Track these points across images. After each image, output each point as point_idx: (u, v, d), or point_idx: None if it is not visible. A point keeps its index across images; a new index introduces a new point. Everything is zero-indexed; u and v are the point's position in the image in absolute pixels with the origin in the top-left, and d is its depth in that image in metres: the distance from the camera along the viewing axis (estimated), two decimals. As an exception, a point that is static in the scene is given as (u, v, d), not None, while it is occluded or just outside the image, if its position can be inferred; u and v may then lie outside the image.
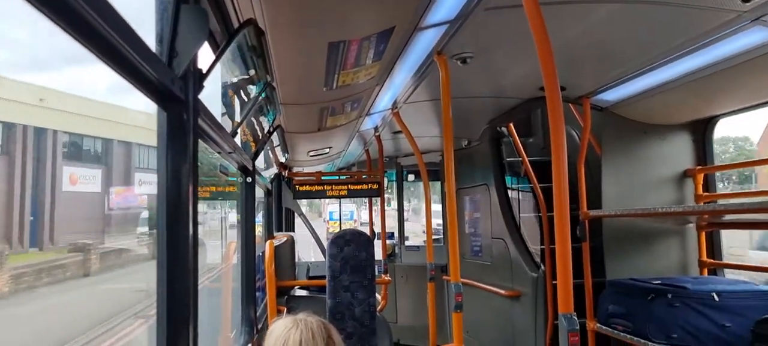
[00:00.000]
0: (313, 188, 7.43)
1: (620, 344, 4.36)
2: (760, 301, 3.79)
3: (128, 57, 1.39)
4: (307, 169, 9.00)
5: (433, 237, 6.26)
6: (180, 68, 1.80)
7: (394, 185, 10.14)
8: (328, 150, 7.30)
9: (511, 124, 5.72)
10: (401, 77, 4.27)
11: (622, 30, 3.40)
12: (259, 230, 7.30)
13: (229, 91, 3.56)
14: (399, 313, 9.16)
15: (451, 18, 3.12)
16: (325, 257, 5.26)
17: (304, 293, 6.54)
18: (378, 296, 6.15)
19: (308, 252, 10.32)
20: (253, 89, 3.59)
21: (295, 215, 9.34)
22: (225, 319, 5.79)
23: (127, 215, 34.32)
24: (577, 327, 2.28)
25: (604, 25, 3.31)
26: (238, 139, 3.75)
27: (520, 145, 5.73)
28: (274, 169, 7.94)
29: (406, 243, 9.76)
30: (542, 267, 5.51)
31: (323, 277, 5.19)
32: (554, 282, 4.91)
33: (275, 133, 5.14)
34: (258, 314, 4.92)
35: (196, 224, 1.95)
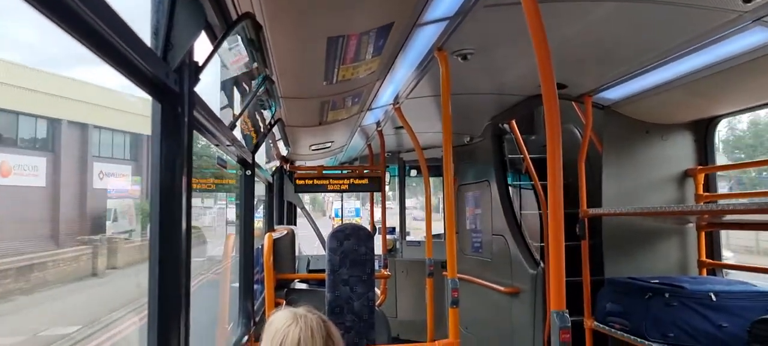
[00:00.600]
0: (315, 182, 7.44)
1: (618, 343, 4.36)
2: (757, 302, 3.78)
3: (121, 50, 1.40)
4: (309, 163, 9.01)
5: (435, 232, 6.26)
6: (175, 61, 1.81)
7: (397, 180, 10.15)
8: (330, 144, 7.31)
9: (513, 121, 5.71)
10: (402, 72, 4.27)
11: (623, 29, 3.39)
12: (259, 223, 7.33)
13: (229, 85, 3.57)
14: (399, 308, 9.18)
15: (451, 14, 3.12)
16: (325, 251, 5.28)
17: (303, 286, 6.57)
18: (377, 291, 6.17)
19: (312, 246, 10.34)
20: (253, 83, 3.60)
21: (298, 208, 9.38)
22: (222, 312, 5.81)
23: (88, 215, 29.87)
24: (569, 324, 2.28)
25: (605, 24, 3.31)
26: (238, 132, 3.76)
27: (521, 142, 5.73)
28: (276, 163, 7.96)
29: (407, 238, 9.77)
30: (542, 264, 5.52)
31: (323, 271, 5.21)
32: None
33: (276, 127, 5.15)
34: (256, 307, 4.93)
35: (189, 217, 1.96)
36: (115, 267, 25.34)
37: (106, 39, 1.31)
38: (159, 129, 1.83)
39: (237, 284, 4.70)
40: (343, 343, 1.99)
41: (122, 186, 33.27)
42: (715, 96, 4.44)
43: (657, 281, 4.13)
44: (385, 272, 7.46)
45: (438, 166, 8.25)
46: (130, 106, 32.97)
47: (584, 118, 4.80)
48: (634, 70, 4.05)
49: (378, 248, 6.43)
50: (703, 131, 5.03)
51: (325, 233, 8.41)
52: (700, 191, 4.96)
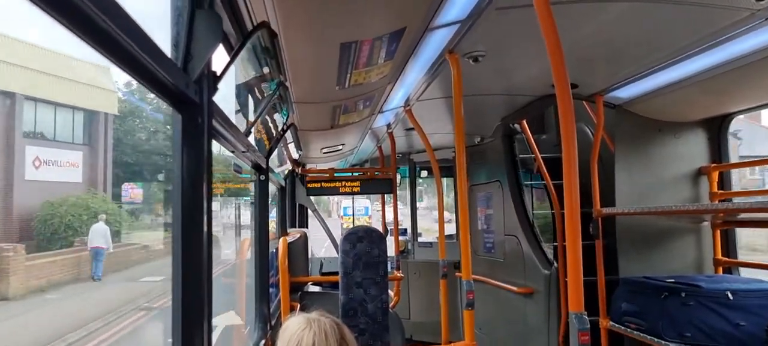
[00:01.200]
0: (326, 185, 7.47)
1: (633, 343, 4.36)
2: (774, 300, 3.77)
3: (144, 63, 1.42)
4: (320, 166, 9.04)
5: (447, 233, 6.26)
6: (195, 72, 1.83)
7: (408, 181, 10.16)
8: (341, 147, 7.33)
9: (524, 121, 5.71)
10: (413, 76, 4.29)
11: (634, 28, 3.39)
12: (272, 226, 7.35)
13: (243, 91, 3.60)
14: (412, 309, 9.18)
15: (463, 18, 3.13)
16: (337, 253, 5.29)
17: (317, 289, 6.59)
18: (390, 293, 6.18)
19: (323, 249, 10.38)
20: (266, 88, 3.63)
21: (309, 211, 9.40)
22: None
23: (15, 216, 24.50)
24: (588, 326, 2.29)
25: (616, 23, 3.31)
26: (251, 138, 3.78)
27: (533, 142, 5.73)
28: (288, 166, 7.99)
29: (419, 239, 9.78)
30: (555, 264, 5.51)
31: (336, 273, 5.22)
32: (567, 279, 4.92)
33: (289, 131, 5.18)
34: (271, 310, 4.96)
35: (210, 224, 1.99)
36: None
37: (132, 53, 1.33)
38: (180, 138, 1.85)
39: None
40: (357, 345, 2.01)
41: (69, 176, 28.43)
42: (728, 93, 4.42)
43: (673, 280, 4.12)
44: (398, 274, 7.48)
45: (449, 167, 8.26)
46: (81, 72, 28.86)
47: (596, 118, 4.80)
48: (646, 68, 4.04)
49: (390, 250, 6.46)
50: (716, 129, 5.01)
51: (335, 233, 8.46)
52: (715, 189, 4.94)
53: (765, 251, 17.12)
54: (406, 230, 9.86)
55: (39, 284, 20.21)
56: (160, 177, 37.53)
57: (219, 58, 2.16)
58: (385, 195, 8.52)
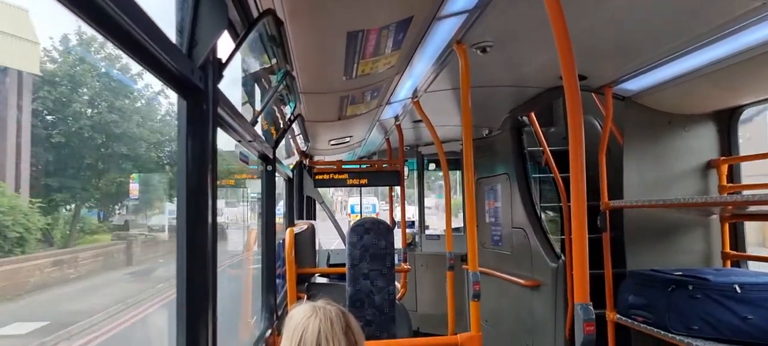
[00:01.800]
0: (334, 177, 7.47)
1: (640, 335, 4.34)
2: (783, 293, 3.73)
3: (149, 48, 1.42)
4: (328, 158, 9.05)
5: (454, 226, 6.26)
6: (199, 58, 1.83)
7: (415, 173, 10.16)
8: (348, 139, 7.33)
9: (533, 114, 5.69)
10: (421, 66, 4.28)
11: (644, 19, 3.36)
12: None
13: (250, 81, 3.61)
14: (419, 301, 9.20)
15: (470, 7, 3.12)
16: (345, 245, 5.30)
17: (324, 280, 6.61)
18: (397, 285, 6.19)
19: (327, 239, 10.40)
20: (273, 78, 3.63)
21: (317, 203, 9.43)
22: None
23: None
24: (593, 317, 2.28)
25: (626, 14, 3.28)
26: (258, 128, 3.79)
27: (541, 134, 5.70)
28: (296, 158, 8.01)
29: (427, 232, 9.78)
30: (563, 257, 5.50)
31: (343, 265, 5.23)
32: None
33: (296, 122, 5.19)
34: (278, 300, 4.97)
35: (215, 212, 1.99)
36: None
37: (136, 38, 1.33)
38: (185, 125, 1.86)
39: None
40: (363, 334, 2.01)
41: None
42: (738, 86, 4.38)
43: (680, 273, 4.09)
44: (405, 266, 7.48)
45: (457, 160, 8.24)
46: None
47: (604, 110, 4.77)
48: (656, 60, 4.01)
49: (398, 242, 6.45)
50: (726, 121, 4.97)
51: (343, 228, 8.47)
52: (724, 182, 4.91)
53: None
54: (413, 222, 9.87)
55: None
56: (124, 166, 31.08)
57: (225, 46, 2.17)
58: (393, 188, 8.52)
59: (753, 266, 4.88)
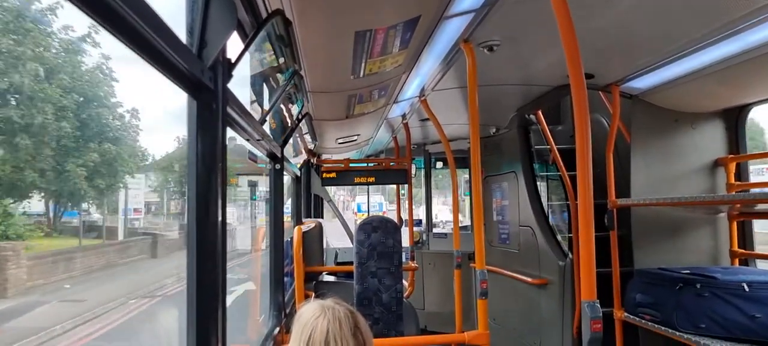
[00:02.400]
0: (341, 175, 7.49)
1: (648, 334, 4.34)
2: (791, 292, 3.73)
3: (160, 49, 1.45)
4: (335, 157, 9.07)
5: (461, 224, 6.27)
6: (209, 58, 1.86)
7: (423, 172, 10.17)
8: (356, 137, 7.35)
9: (540, 112, 5.69)
10: (428, 65, 4.29)
11: (651, 17, 3.36)
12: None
13: (258, 80, 3.63)
14: (426, 299, 9.21)
15: (477, 6, 3.13)
16: (352, 243, 5.32)
17: (332, 278, 6.63)
18: (405, 283, 6.19)
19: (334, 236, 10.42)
20: (281, 77, 3.65)
21: (325, 202, 9.45)
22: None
23: None
24: (600, 314, 2.29)
25: (633, 12, 3.28)
26: (267, 127, 3.81)
27: (548, 132, 5.70)
28: (303, 157, 8.03)
29: (434, 230, 9.79)
30: (570, 255, 5.50)
31: (351, 263, 5.25)
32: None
33: (304, 121, 5.21)
34: (286, 299, 5.00)
35: (225, 210, 2.02)
36: None
37: (147, 38, 1.36)
38: (195, 125, 1.88)
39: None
40: (371, 334, 2.01)
41: None
42: (746, 84, 4.37)
43: (688, 271, 4.09)
44: (413, 264, 7.50)
45: (464, 158, 8.24)
46: None
47: (611, 108, 4.77)
48: (663, 58, 4.00)
49: (405, 240, 6.46)
50: (733, 119, 4.96)
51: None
52: (732, 180, 4.90)
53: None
54: (421, 220, 9.88)
55: None
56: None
57: (234, 45, 2.19)
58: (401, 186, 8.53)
59: (761, 264, 4.87)
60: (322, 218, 9.66)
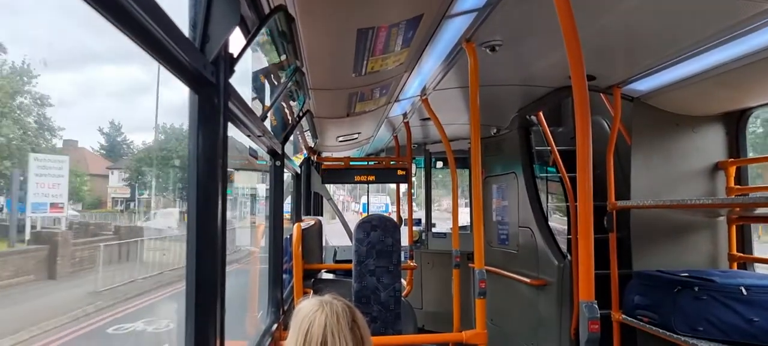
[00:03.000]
0: (341, 172, 7.49)
1: (645, 336, 4.35)
2: (789, 296, 3.73)
3: (163, 42, 1.45)
4: (335, 154, 9.07)
5: (461, 224, 6.28)
6: (212, 53, 1.86)
7: (423, 171, 10.16)
8: (356, 136, 7.35)
9: (541, 113, 5.69)
10: (430, 64, 4.29)
11: (653, 19, 3.36)
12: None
13: (259, 76, 3.63)
14: (424, 299, 9.21)
15: (480, 6, 3.13)
16: (351, 242, 5.32)
17: (330, 276, 6.63)
18: (403, 282, 6.20)
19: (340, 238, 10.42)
20: (283, 74, 3.65)
21: (324, 199, 9.46)
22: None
23: None
24: (597, 315, 2.29)
25: (636, 14, 3.28)
26: (267, 123, 3.81)
27: (549, 134, 5.71)
28: (304, 154, 8.03)
29: (433, 230, 9.80)
30: (569, 257, 5.50)
31: (350, 261, 5.25)
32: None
33: (305, 118, 5.21)
34: (284, 295, 5.00)
35: (225, 205, 2.02)
36: None
37: (151, 32, 1.36)
38: (196, 119, 1.89)
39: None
40: (369, 329, 2.03)
41: None
42: (747, 87, 4.38)
43: (686, 274, 4.09)
44: (411, 263, 7.50)
45: (464, 158, 8.24)
46: None
47: (612, 110, 4.77)
48: (665, 61, 4.01)
49: (404, 239, 6.46)
50: (734, 123, 4.96)
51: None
52: (732, 184, 4.90)
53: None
54: (420, 219, 9.88)
55: None
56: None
57: (236, 40, 2.19)
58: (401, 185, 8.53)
59: (760, 268, 4.87)
60: (322, 215, 9.66)
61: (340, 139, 7.39)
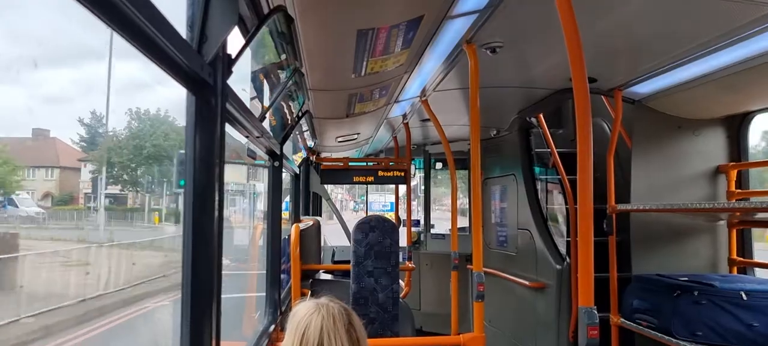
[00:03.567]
0: (341, 173, 7.49)
1: (644, 340, 4.33)
2: (789, 302, 3.72)
3: (159, 43, 1.42)
4: (334, 155, 9.06)
5: (459, 226, 6.27)
6: (209, 54, 1.83)
7: (422, 172, 10.15)
8: (356, 136, 7.34)
9: (541, 115, 5.67)
10: (430, 65, 4.27)
11: (656, 22, 3.34)
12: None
13: (258, 76, 3.61)
14: (422, 300, 9.20)
15: (481, 7, 3.11)
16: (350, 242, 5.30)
17: (328, 277, 6.61)
18: (401, 283, 6.18)
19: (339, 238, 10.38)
20: (282, 74, 3.63)
21: (323, 200, 9.44)
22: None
23: None
24: (597, 321, 2.28)
25: (638, 17, 3.26)
26: (266, 124, 3.79)
27: (549, 136, 5.69)
28: (303, 154, 8.01)
29: (432, 231, 9.78)
30: (567, 259, 5.48)
31: (348, 262, 5.23)
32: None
33: (304, 119, 5.19)
34: (282, 296, 4.98)
35: (222, 206, 2.00)
36: None
37: (145, 32, 1.34)
38: (193, 121, 1.86)
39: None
40: (365, 331, 2.03)
41: None
42: (749, 91, 4.36)
43: (686, 278, 4.08)
44: (410, 265, 7.48)
45: (464, 160, 8.23)
46: None
47: (613, 113, 4.75)
48: (667, 63, 3.99)
49: (403, 241, 6.44)
50: (736, 127, 4.94)
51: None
52: (733, 188, 4.88)
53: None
54: (419, 221, 9.87)
55: None
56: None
57: (234, 41, 2.17)
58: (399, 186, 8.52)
59: (760, 273, 4.86)
60: (321, 216, 9.64)
61: (340, 139, 7.37)
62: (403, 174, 7.38)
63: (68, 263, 17.78)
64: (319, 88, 4.17)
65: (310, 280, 6.08)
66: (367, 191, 15.24)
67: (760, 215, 4.50)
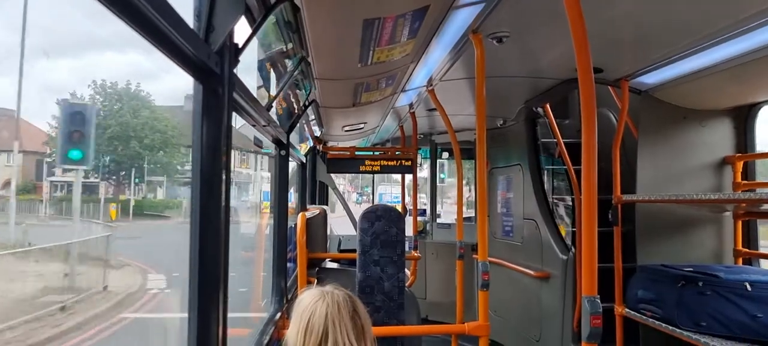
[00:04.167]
0: (347, 162, 7.51)
1: (648, 330, 4.34)
2: (794, 293, 3.71)
3: (166, 32, 1.44)
4: (341, 144, 9.07)
5: (465, 215, 6.28)
6: (216, 43, 1.85)
7: (428, 162, 10.16)
8: (362, 125, 7.34)
9: (548, 105, 5.66)
10: (437, 55, 4.27)
11: (663, 12, 3.33)
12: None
13: (265, 65, 3.62)
14: (428, 289, 9.23)
15: None
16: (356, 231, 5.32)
17: (334, 265, 6.64)
18: (407, 272, 6.20)
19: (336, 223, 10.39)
20: (288, 63, 3.64)
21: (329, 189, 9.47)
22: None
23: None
24: (600, 310, 2.30)
25: (644, 7, 3.25)
26: (273, 113, 3.81)
27: (555, 126, 5.69)
28: (309, 143, 8.03)
29: (438, 220, 9.80)
30: (573, 249, 5.49)
31: (354, 251, 5.25)
32: None
33: (310, 108, 5.20)
34: (288, 284, 5.01)
35: (228, 195, 2.02)
36: None
37: (154, 22, 1.35)
38: (200, 110, 1.88)
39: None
40: (370, 319, 2.06)
41: None
42: (756, 82, 4.34)
43: (690, 268, 4.08)
44: (416, 254, 7.50)
45: (470, 149, 8.23)
46: None
47: (620, 103, 4.74)
48: (674, 54, 3.97)
49: (409, 230, 6.45)
50: (743, 118, 4.92)
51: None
52: (739, 179, 4.87)
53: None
54: (425, 210, 9.89)
55: None
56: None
57: (241, 30, 2.18)
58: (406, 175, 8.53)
59: (765, 264, 4.85)
60: (327, 204, 9.68)
61: (346, 128, 7.38)
62: (409, 163, 7.39)
63: None
64: (326, 78, 4.17)
65: (317, 268, 6.12)
66: (373, 182, 15.25)
67: (766, 207, 4.49)
